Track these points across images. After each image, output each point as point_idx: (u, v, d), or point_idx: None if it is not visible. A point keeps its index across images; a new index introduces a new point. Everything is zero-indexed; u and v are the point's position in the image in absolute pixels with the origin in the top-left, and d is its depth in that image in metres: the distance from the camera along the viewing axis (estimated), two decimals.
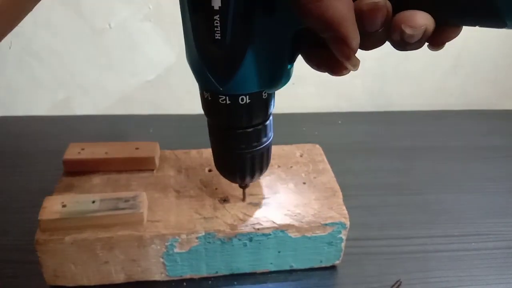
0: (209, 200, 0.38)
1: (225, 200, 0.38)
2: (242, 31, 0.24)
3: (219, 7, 0.23)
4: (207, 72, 0.26)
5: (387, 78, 0.66)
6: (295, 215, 0.37)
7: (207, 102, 0.29)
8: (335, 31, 0.21)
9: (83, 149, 0.41)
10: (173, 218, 0.36)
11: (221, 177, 0.37)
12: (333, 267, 0.40)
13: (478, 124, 0.65)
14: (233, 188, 0.39)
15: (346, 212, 0.37)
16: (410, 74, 0.66)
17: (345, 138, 0.47)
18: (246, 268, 0.38)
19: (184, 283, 0.38)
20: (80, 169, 0.40)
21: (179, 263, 0.36)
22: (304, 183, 0.40)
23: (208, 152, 0.43)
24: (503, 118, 0.67)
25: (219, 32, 0.24)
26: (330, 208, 0.37)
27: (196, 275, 0.38)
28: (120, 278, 0.37)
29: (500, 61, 0.67)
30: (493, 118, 0.67)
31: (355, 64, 0.23)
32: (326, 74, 0.26)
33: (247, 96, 0.27)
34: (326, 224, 0.36)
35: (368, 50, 0.24)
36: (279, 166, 0.42)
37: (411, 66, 0.65)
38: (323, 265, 0.39)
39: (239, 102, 0.28)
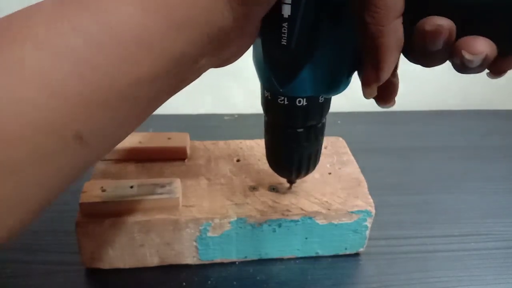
0: (239, 188, 0.39)
1: (254, 188, 0.39)
2: (307, 39, 0.25)
3: (288, 15, 0.24)
4: (270, 73, 0.28)
5: None
6: (322, 203, 0.38)
7: (267, 101, 0.30)
8: (377, 56, 0.22)
9: None
10: (206, 203, 0.37)
11: (249, 166, 0.41)
12: (332, 260, 0.40)
13: (478, 124, 0.65)
14: (262, 177, 0.40)
15: (371, 201, 0.38)
16: (410, 74, 0.66)
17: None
18: (274, 254, 0.39)
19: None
20: (115, 157, 0.42)
21: (211, 247, 0.38)
22: (330, 173, 0.42)
23: (235, 144, 0.45)
24: (503, 118, 0.67)
25: (285, 38, 0.25)
26: (356, 197, 0.39)
27: (226, 259, 0.39)
28: (154, 261, 0.38)
29: None
30: (493, 118, 0.67)
31: (370, 94, 0.25)
32: None
33: (304, 99, 0.29)
34: (352, 212, 0.37)
35: (428, 67, 0.25)
36: None
37: (411, 66, 0.65)
38: (347, 252, 0.40)
39: (297, 104, 0.29)
